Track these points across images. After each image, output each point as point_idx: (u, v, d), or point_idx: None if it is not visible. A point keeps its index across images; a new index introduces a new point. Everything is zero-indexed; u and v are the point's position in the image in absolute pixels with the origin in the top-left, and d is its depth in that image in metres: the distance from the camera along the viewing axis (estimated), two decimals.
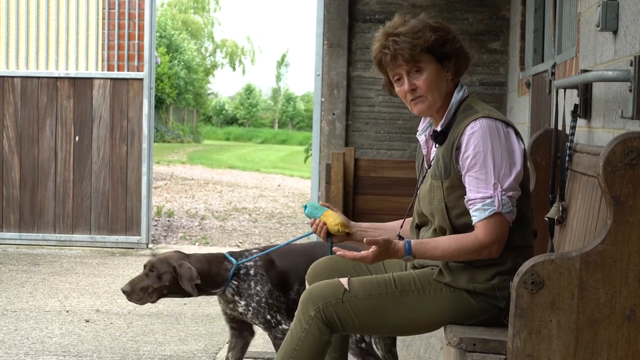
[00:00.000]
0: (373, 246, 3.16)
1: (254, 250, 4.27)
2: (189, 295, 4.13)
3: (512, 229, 3.17)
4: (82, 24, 9.15)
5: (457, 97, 3.28)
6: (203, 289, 4.14)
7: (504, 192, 3.09)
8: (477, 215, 3.11)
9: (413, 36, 3.21)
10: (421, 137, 3.45)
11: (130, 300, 4.13)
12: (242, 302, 4.15)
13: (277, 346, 4.14)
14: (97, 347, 5.31)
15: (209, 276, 4.14)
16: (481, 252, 3.12)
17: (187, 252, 4.31)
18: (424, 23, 3.25)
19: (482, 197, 3.10)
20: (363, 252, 3.20)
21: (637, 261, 2.65)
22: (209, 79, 55.23)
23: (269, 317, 4.14)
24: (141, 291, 4.11)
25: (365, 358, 4.16)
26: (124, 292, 4.11)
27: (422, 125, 3.47)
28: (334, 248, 3.27)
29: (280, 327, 4.15)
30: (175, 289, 4.13)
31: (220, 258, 4.24)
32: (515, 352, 2.72)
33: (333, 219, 3.42)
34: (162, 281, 4.11)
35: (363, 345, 4.16)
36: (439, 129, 3.28)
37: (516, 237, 3.19)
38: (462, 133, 3.16)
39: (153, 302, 4.15)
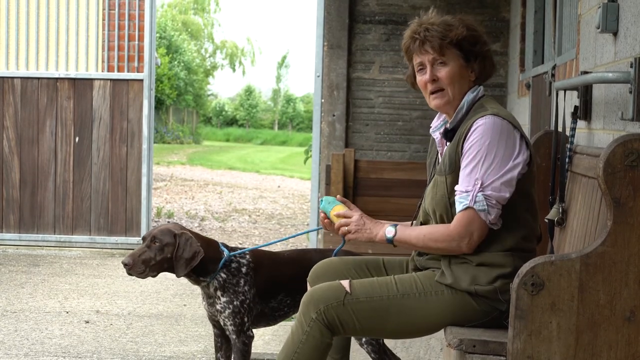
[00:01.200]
0: (355, 212, 3.39)
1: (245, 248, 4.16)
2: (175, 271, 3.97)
3: (507, 230, 3.18)
4: (82, 24, 9.15)
5: (470, 96, 3.30)
6: (192, 272, 3.99)
7: (481, 190, 3.11)
8: (457, 206, 3.18)
9: (446, 28, 3.26)
10: (436, 135, 3.45)
11: (130, 273, 3.94)
12: (224, 299, 4.01)
13: (243, 352, 4.04)
14: (96, 348, 5.31)
15: (204, 259, 3.99)
16: (450, 243, 3.17)
17: None
18: (460, 20, 3.30)
19: (461, 191, 3.16)
20: (348, 211, 3.39)
21: (637, 263, 2.66)
22: (209, 80, 55.22)
23: (245, 319, 4.03)
24: (143, 264, 3.94)
25: (382, 357, 4.13)
26: (124, 264, 3.92)
27: (435, 123, 3.48)
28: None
29: (248, 333, 4.04)
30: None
31: (215, 243, 4.09)
32: (515, 353, 2.72)
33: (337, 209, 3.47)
34: (165, 253, 3.95)
35: (381, 341, 4.12)
36: (449, 126, 3.30)
37: (513, 240, 3.19)
38: (469, 128, 3.18)
39: (154, 276, 3.99)
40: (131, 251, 4.06)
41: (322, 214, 3.53)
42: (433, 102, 3.32)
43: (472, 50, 3.28)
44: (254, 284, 4.07)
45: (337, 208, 3.45)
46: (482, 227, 3.15)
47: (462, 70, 3.28)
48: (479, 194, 3.11)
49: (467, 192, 3.13)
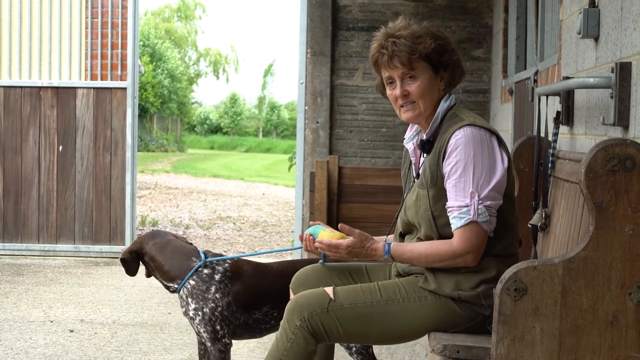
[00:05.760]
0: (349, 237, 3.23)
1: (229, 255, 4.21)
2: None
3: (498, 237, 3.17)
4: (65, 33, 9.13)
5: (443, 105, 3.28)
6: (162, 279, 4.15)
7: (480, 202, 3.10)
8: (454, 222, 3.13)
9: (413, 41, 3.22)
10: (409, 145, 3.44)
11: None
12: (193, 305, 4.01)
13: None
14: (81, 357, 5.29)
15: (165, 265, 4.11)
16: (456, 260, 3.14)
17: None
18: (426, 30, 3.26)
19: (459, 206, 3.11)
20: (338, 240, 3.25)
21: (619, 267, 2.66)
22: (193, 87, 55.18)
23: (218, 327, 3.99)
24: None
25: None
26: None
27: (409, 133, 3.46)
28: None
29: (223, 340, 4.00)
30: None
31: (191, 252, 4.14)
32: (498, 358, 2.72)
33: (323, 234, 3.47)
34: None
35: (371, 350, 4.10)
36: (425, 137, 3.29)
37: (501, 245, 3.19)
38: (447, 141, 3.16)
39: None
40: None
41: (307, 235, 3.47)
42: (404, 115, 3.30)
43: (441, 61, 3.26)
44: (228, 293, 4.02)
45: (322, 234, 3.43)
46: (485, 238, 3.14)
47: (432, 81, 3.26)
48: (480, 206, 3.10)
49: (466, 206, 3.09)
